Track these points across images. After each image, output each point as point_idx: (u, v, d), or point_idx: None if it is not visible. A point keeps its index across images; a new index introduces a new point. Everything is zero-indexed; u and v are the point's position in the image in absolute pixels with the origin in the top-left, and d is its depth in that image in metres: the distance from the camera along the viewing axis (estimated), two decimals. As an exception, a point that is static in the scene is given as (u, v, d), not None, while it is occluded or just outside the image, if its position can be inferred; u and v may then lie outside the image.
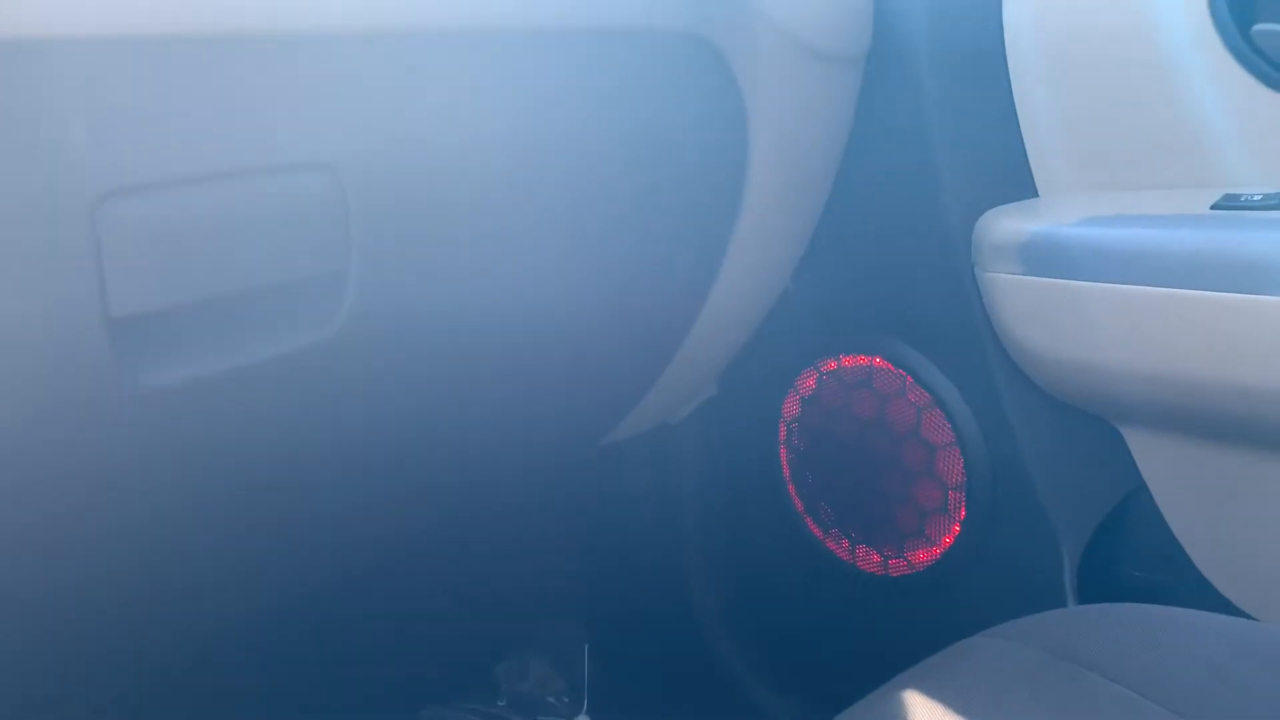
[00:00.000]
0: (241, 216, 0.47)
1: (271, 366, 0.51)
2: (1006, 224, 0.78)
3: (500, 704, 1.09)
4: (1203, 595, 0.82)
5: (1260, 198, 0.70)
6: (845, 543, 0.96)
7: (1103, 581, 0.83)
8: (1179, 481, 0.82)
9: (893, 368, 0.88)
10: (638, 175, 0.70)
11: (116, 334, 0.44)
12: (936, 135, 0.81)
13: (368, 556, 0.84)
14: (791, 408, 0.97)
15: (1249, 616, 0.79)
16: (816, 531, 0.98)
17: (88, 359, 0.43)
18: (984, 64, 0.81)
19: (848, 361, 0.92)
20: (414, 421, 0.65)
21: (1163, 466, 0.82)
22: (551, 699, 1.11)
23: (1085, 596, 0.81)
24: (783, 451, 0.99)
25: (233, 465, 0.54)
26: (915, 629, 0.92)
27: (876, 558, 0.94)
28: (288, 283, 0.50)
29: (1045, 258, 0.75)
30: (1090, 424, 0.83)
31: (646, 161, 0.71)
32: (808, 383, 0.95)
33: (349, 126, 0.51)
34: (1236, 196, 0.72)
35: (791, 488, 0.99)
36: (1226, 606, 0.81)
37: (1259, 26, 0.71)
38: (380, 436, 0.64)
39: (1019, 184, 0.82)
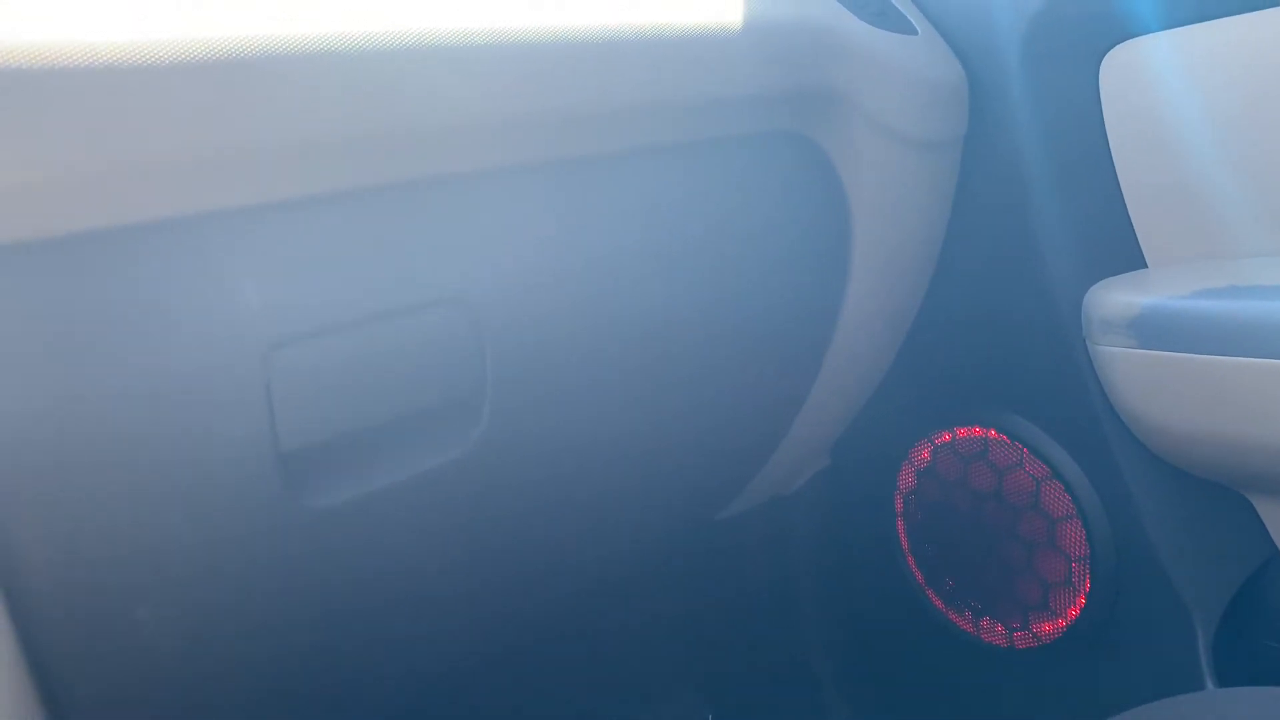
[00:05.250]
0: (390, 352, 0.51)
1: (413, 483, 0.55)
2: (1117, 297, 0.78)
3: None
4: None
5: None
6: (968, 614, 0.95)
7: (1241, 657, 0.81)
8: (1317, 548, 0.79)
9: (1008, 440, 0.89)
10: (749, 266, 0.73)
11: (285, 465, 0.48)
12: (1039, 209, 0.82)
13: (499, 636, 0.87)
14: (907, 479, 0.97)
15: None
16: (938, 603, 0.98)
17: (261, 489, 0.48)
18: (1083, 137, 0.81)
19: (962, 433, 0.92)
20: (543, 512, 0.69)
21: (1298, 535, 0.79)
22: (677, 769, 1.12)
23: (1223, 674, 0.79)
24: (900, 523, 0.99)
25: (383, 564, 0.58)
26: (1045, 705, 0.90)
27: (1001, 629, 0.93)
28: (430, 406, 0.54)
29: (1160, 331, 0.74)
30: (1217, 493, 0.81)
31: (757, 252, 0.74)
32: (922, 455, 0.96)
33: (478, 260, 0.55)
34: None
35: (911, 559, 0.99)
36: (1377, 680, 0.78)
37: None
38: (511, 529, 0.67)
39: (1126, 254, 0.82)
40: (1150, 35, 0.77)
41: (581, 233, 0.61)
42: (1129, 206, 0.81)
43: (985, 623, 0.94)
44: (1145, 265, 0.81)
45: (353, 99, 0.46)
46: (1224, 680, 0.79)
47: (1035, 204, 0.82)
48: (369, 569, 0.56)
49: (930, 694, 1.01)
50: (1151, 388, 0.76)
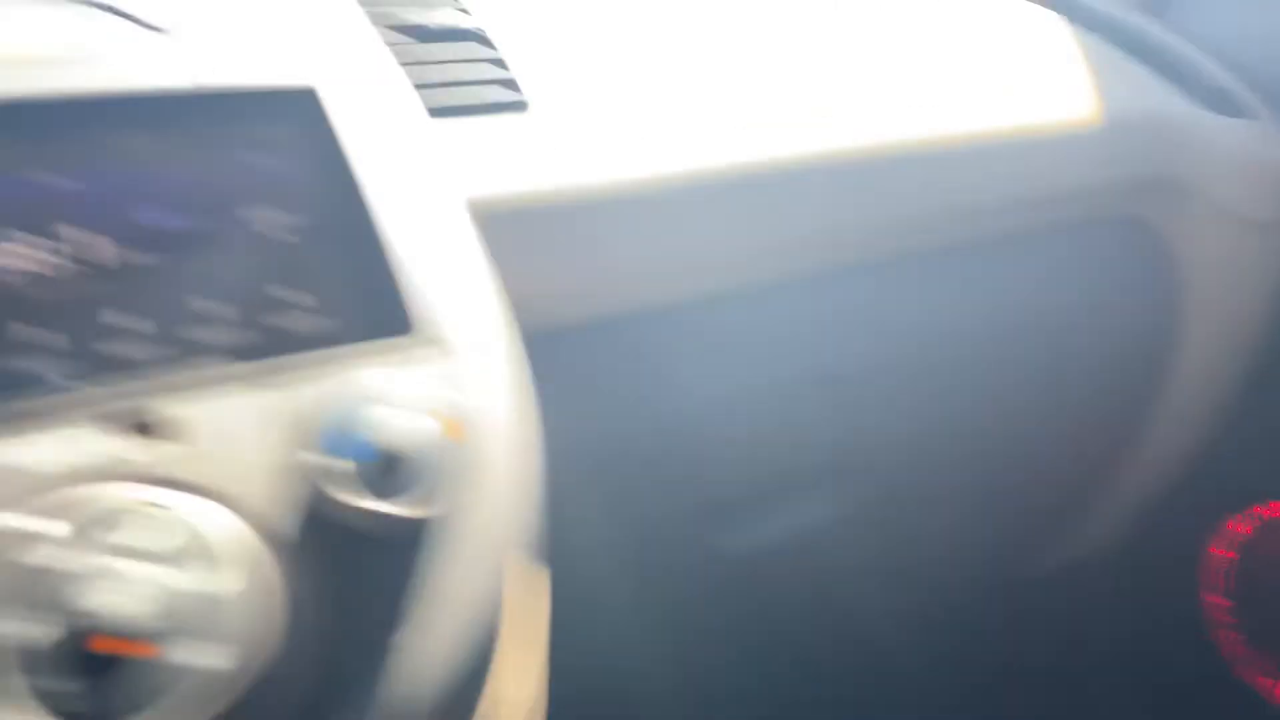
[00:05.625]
0: (787, 421, 0.60)
1: (799, 536, 0.64)
2: None
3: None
4: None
5: None
6: (1288, 693, 0.94)
7: None
8: None
9: (1341, 520, 0.87)
10: (1083, 342, 0.78)
11: (707, 516, 0.58)
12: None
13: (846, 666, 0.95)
14: (1221, 550, 0.97)
15: None
16: (1253, 678, 0.96)
17: (691, 536, 0.58)
18: None
19: (1287, 510, 0.91)
20: (896, 559, 0.76)
21: None
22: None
23: None
24: (1212, 594, 0.99)
25: (767, 602, 0.68)
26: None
27: (1327, 713, 0.91)
28: (813, 469, 0.63)
29: None
30: None
31: (1092, 329, 0.78)
32: (1240, 527, 0.95)
33: (853, 344, 0.63)
34: None
35: (1223, 632, 0.98)
36: None
37: None
38: (871, 575, 0.75)
39: None
40: None
41: (936, 317, 0.68)
42: None
43: (1309, 704, 0.92)
44: None
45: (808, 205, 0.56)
46: None
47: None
48: (759, 605, 0.65)
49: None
50: None
